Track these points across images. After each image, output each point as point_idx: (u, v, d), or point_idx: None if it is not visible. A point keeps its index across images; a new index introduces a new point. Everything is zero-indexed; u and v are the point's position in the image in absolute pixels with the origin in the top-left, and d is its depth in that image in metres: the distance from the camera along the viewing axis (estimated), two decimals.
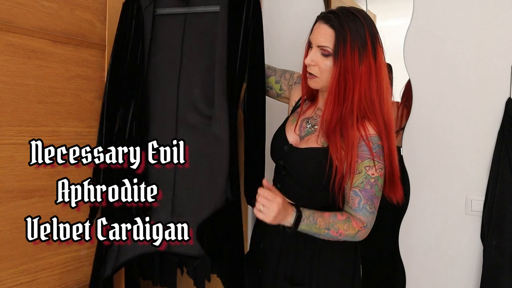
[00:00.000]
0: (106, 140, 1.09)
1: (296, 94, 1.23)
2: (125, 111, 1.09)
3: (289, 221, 0.98)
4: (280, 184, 1.13)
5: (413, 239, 1.49)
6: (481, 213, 1.35)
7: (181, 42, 1.09)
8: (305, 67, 1.11)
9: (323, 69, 1.04)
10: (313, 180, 1.07)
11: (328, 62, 1.03)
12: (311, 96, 1.18)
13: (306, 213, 1.00)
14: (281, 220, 0.97)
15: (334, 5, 1.68)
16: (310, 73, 1.07)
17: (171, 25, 1.11)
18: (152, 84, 1.12)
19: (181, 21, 1.10)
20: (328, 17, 1.03)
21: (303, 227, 0.99)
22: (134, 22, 1.10)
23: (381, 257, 1.55)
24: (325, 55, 1.03)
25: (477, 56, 1.37)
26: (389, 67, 1.53)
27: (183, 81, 1.09)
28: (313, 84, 1.09)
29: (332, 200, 1.09)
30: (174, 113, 1.11)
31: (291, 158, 1.10)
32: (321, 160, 1.03)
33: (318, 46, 1.04)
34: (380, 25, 1.62)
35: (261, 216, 0.96)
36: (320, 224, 0.99)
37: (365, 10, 1.61)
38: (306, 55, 1.11)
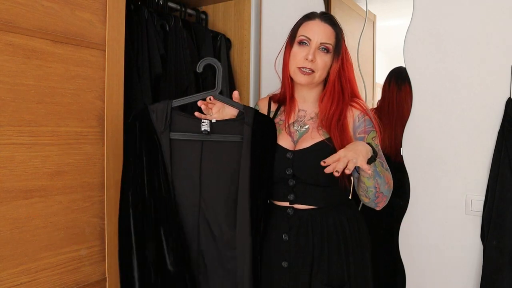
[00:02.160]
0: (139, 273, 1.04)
1: (262, 110, 1.25)
2: (158, 244, 1.04)
3: (370, 150, 0.97)
4: (292, 195, 1.11)
5: (413, 239, 1.49)
6: (481, 213, 1.35)
7: (199, 171, 1.06)
8: (287, 64, 1.16)
9: (320, 66, 1.11)
10: (329, 174, 1.07)
11: (326, 58, 1.11)
12: (284, 98, 1.20)
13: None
14: (367, 152, 0.95)
15: (334, 5, 1.68)
16: (309, 69, 1.10)
17: (188, 152, 1.07)
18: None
19: (198, 149, 1.07)
20: (327, 17, 1.14)
21: (376, 162, 1.00)
22: (148, 147, 1.03)
23: (380, 257, 1.55)
24: (326, 51, 1.11)
25: (477, 56, 1.37)
26: None
27: (202, 213, 1.07)
28: (308, 79, 1.12)
29: (346, 192, 1.16)
30: (196, 246, 1.08)
31: (300, 160, 1.10)
32: (330, 150, 1.07)
33: (321, 43, 1.10)
34: (380, 25, 1.63)
35: (352, 165, 0.91)
36: (381, 164, 1.04)
37: (365, 10, 1.61)
38: (288, 54, 1.16)
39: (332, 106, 1.12)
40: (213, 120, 1.08)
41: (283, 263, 1.09)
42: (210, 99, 1.11)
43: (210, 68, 1.71)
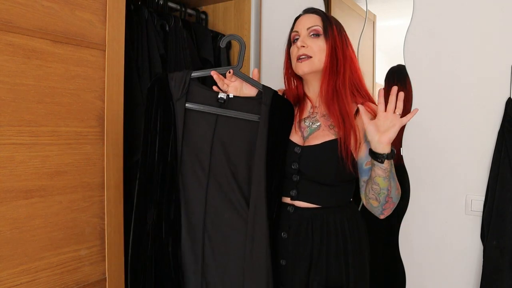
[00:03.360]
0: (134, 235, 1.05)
1: None
2: (158, 212, 1.04)
3: (390, 148, 0.96)
4: (294, 191, 1.10)
5: (413, 239, 1.49)
6: (481, 213, 1.35)
7: (210, 144, 1.05)
8: (288, 67, 1.17)
9: (316, 50, 1.11)
10: (336, 173, 1.07)
11: (320, 43, 1.11)
12: (296, 98, 1.19)
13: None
14: (391, 139, 0.95)
15: (334, 5, 1.68)
16: (303, 55, 1.11)
17: (201, 124, 1.06)
18: (182, 185, 1.07)
19: (212, 122, 1.06)
20: (310, 8, 1.16)
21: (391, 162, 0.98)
22: (162, 113, 1.04)
23: (380, 257, 1.55)
24: (316, 35, 1.11)
25: (477, 56, 1.37)
26: None
27: (211, 187, 1.05)
28: (307, 66, 1.12)
29: (349, 193, 1.15)
30: (202, 219, 1.06)
31: (308, 156, 1.09)
32: (340, 150, 1.06)
33: (308, 29, 1.11)
34: (380, 25, 1.63)
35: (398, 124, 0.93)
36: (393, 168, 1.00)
37: (365, 10, 1.61)
38: (287, 56, 1.19)
39: (324, 82, 1.11)
40: (231, 95, 1.07)
41: (281, 261, 1.09)
42: (230, 72, 1.10)
43: (210, 67, 1.71)
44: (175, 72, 1.07)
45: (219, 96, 1.05)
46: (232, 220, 1.05)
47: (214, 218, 1.06)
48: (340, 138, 1.06)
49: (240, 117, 1.06)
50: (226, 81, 1.11)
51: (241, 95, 1.11)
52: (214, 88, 1.12)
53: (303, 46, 1.10)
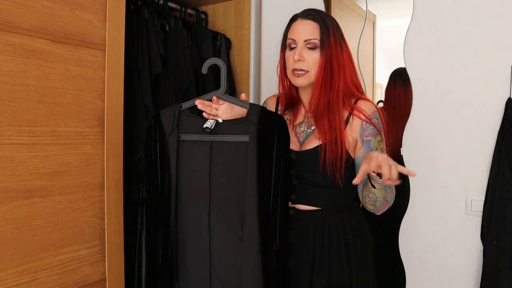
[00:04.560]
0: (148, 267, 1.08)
1: (270, 108, 1.24)
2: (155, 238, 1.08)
3: None
4: (294, 195, 1.11)
5: (413, 239, 1.49)
6: (481, 213, 1.35)
7: (208, 172, 1.06)
8: (283, 70, 1.16)
9: (312, 63, 1.09)
10: (331, 177, 1.07)
11: (315, 55, 1.09)
12: (290, 103, 1.19)
13: None
14: None
15: (334, 5, 1.68)
16: (299, 70, 1.09)
17: (197, 154, 1.08)
18: (182, 213, 1.08)
19: (207, 150, 1.06)
20: (308, 13, 1.12)
21: None
22: (158, 149, 1.07)
23: (380, 258, 1.55)
24: (313, 48, 1.09)
25: (477, 56, 1.37)
26: None
27: (213, 213, 1.06)
28: (303, 80, 1.11)
29: (350, 194, 1.14)
30: (207, 244, 1.07)
31: (303, 161, 1.09)
32: (321, 158, 1.06)
33: (305, 41, 1.09)
34: (380, 25, 1.63)
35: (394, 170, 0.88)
36: None
37: (365, 10, 1.61)
38: (282, 59, 1.17)
39: (315, 96, 1.09)
40: (220, 120, 1.06)
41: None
42: (214, 98, 1.09)
43: (210, 68, 1.71)
44: (166, 107, 1.09)
45: (204, 126, 1.05)
46: (236, 246, 1.04)
47: (218, 246, 1.05)
48: (323, 146, 1.06)
49: (233, 140, 1.06)
50: (214, 105, 1.09)
51: (233, 116, 1.10)
52: (204, 114, 1.10)
53: (300, 60, 1.09)
